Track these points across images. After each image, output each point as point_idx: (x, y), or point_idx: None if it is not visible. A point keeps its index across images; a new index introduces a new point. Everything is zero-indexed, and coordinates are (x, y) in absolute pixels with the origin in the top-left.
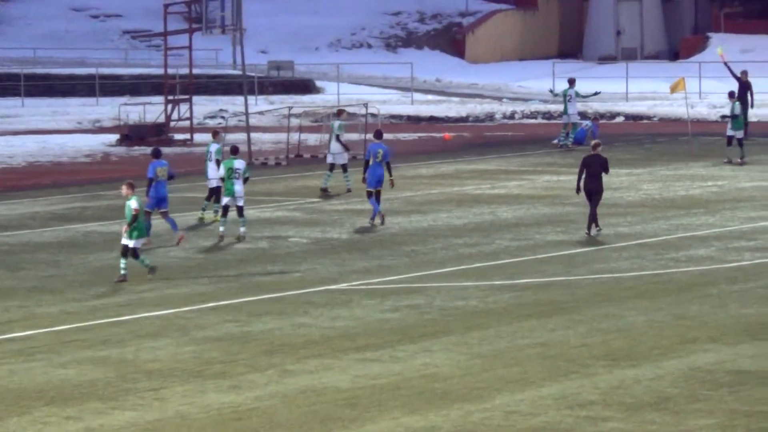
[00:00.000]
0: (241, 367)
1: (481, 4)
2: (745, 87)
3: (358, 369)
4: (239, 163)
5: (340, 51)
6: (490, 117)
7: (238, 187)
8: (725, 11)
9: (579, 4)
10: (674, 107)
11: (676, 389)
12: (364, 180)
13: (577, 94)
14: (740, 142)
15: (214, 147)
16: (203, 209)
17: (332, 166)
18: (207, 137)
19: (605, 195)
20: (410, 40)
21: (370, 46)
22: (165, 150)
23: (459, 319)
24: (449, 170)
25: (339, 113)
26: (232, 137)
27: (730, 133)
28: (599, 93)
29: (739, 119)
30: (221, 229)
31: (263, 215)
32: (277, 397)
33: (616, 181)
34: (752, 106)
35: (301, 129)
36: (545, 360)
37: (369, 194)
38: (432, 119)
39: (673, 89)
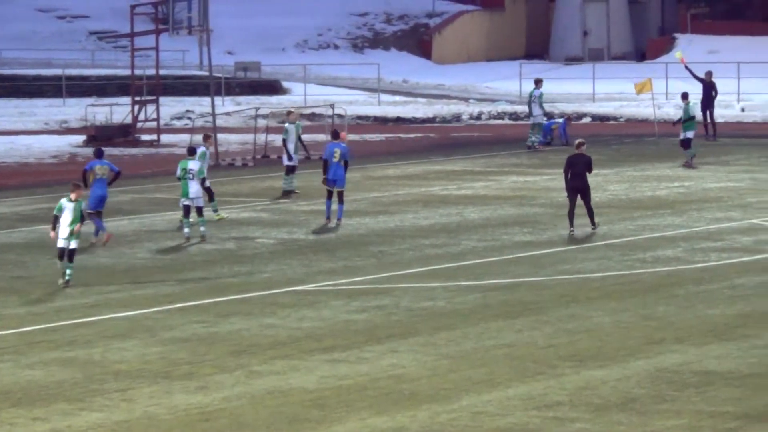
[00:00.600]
0: (209, 367)
1: (448, 5)
2: (709, 88)
3: (325, 370)
4: (193, 164)
5: (306, 52)
6: (457, 118)
7: (193, 188)
8: (692, 12)
9: (546, 5)
10: (641, 108)
11: (643, 390)
12: (324, 181)
13: (541, 96)
14: (689, 143)
15: (200, 150)
16: (215, 210)
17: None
18: (174, 138)
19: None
20: (377, 41)
21: (336, 47)
22: (132, 151)
23: (426, 319)
24: (416, 171)
25: (289, 114)
26: (198, 138)
27: (683, 135)
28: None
29: (692, 122)
30: (186, 230)
31: (230, 216)
32: (244, 397)
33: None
34: (716, 96)
35: (267, 130)
36: (512, 361)
37: (329, 194)
38: (399, 120)
39: (640, 90)
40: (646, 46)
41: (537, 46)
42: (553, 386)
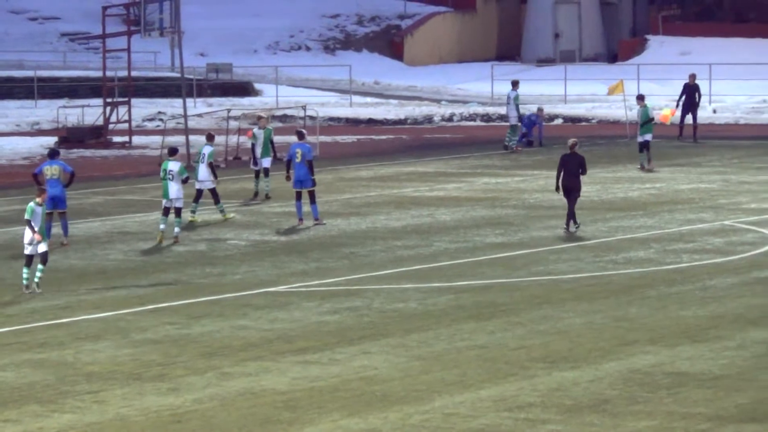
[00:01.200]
0: (180, 369)
1: (420, 6)
2: (693, 89)
3: (296, 371)
4: (174, 165)
5: (278, 53)
6: (429, 119)
7: (173, 188)
8: (663, 14)
9: (517, 6)
10: (613, 109)
11: (615, 391)
12: (287, 178)
13: (517, 98)
14: (647, 147)
15: (207, 149)
16: (192, 212)
17: (263, 171)
18: (145, 140)
19: (546, 197)
20: (349, 43)
21: (308, 48)
22: (104, 152)
23: (398, 321)
24: (388, 172)
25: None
26: (170, 140)
27: (640, 138)
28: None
29: (649, 125)
30: (161, 226)
31: (201, 217)
32: (215, 399)
33: (554, 183)
34: (699, 100)
35: (239, 132)
36: (484, 362)
37: (297, 195)
38: (370, 121)
39: (612, 91)
40: (618, 48)
41: (509, 48)
42: (525, 387)
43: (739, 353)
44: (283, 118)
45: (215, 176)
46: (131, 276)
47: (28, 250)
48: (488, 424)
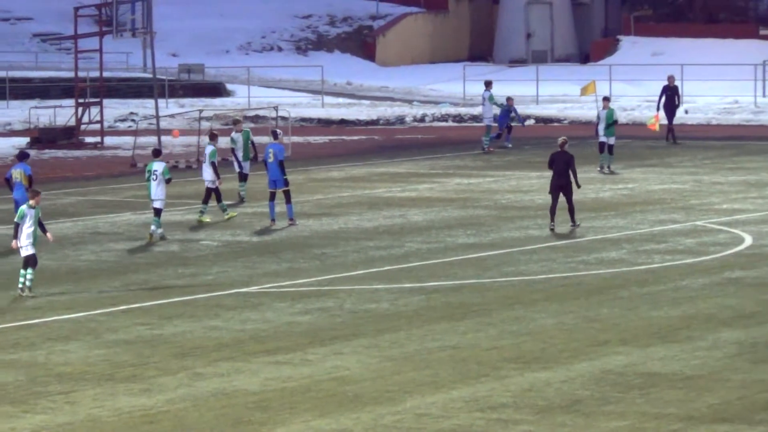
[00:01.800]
0: (152, 370)
1: (392, 7)
2: (672, 91)
3: (268, 372)
4: (158, 165)
5: (250, 54)
6: (401, 120)
7: (156, 189)
8: (635, 14)
9: (489, 7)
10: (585, 110)
11: (587, 392)
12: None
13: (491, 98)
14: (611, 149)
15: (209, 149)
16: (201, 212)
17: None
18: (117, 140)
19: (518, 197)
20: (321, 43)
21: (280, 49)
22: (76, 153)
23: (370, 321)
24: (360, 173)
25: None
26: (142, 140)
27: (602, 139)
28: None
29: (612, 127)
30: (152, 227)
31: (173, 218)
32: (188, 400)
33: (526, 183)
34: (679, 105)
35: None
36: (456, 363)
37: (271, 196)
38: (342, 122)
39: (584, 92)
40: (590, 48)
41: (481, 48)
42: (497, 388)
43: (711, 354)
44: (255, 118)
45: (218, 176)
46: (103, 276)
47: (23, 253)
48: (460, 425)
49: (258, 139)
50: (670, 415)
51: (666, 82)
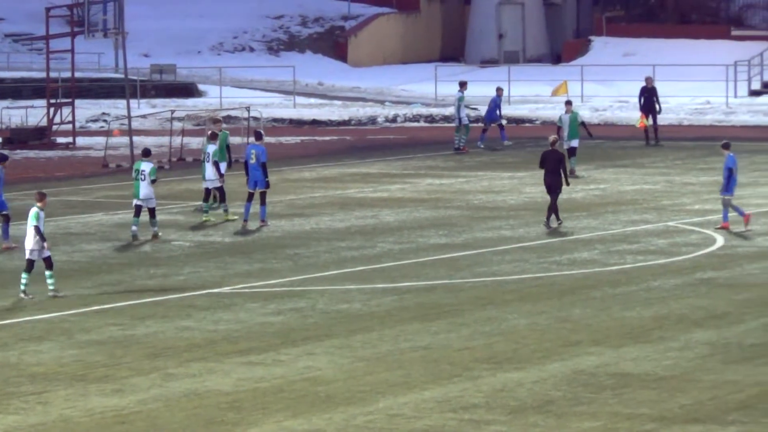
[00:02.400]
0: (125, 370)
1: (364, 7)
2: (650, 92)
3: (241, 372)
4: (145, 165)
5: (222, 54)
6: (373, 120)
7: (144, 189)
8: (607, 15)
9: (461, 7)
10: (557, 110)
11: (560, 392)
12: (248, 182)
13: (461, 99)
14: (574, 151)
15: (210, 148)
16: (205, 211)
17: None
18: (89, 141)
19: (490, 198)
20: (293, 44)
21: (252, 49)
22: (48, 153)
23: (342, 322)
24: (332, 173)
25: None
26: (114, 141)
27: (566, 145)
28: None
29: (573, 130)
30: (133, 228)
31: (145, 218)
32: (160, 400)
33: (498, 184)
34: (660, 111)
35: (183, 132)
36: (428, 363)
37: (249, 196)
38: (314, 123)
39: (555, 92)
40: (562, 49)
41: (452, 49)
42: (470, 388)
43: (683, 354)
44: (227, 119)
45: (221, 174)
46: (75, 277)
47: (28, 255)
48: (432, 425)
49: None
50: (643, 416)
51: (643, 83)
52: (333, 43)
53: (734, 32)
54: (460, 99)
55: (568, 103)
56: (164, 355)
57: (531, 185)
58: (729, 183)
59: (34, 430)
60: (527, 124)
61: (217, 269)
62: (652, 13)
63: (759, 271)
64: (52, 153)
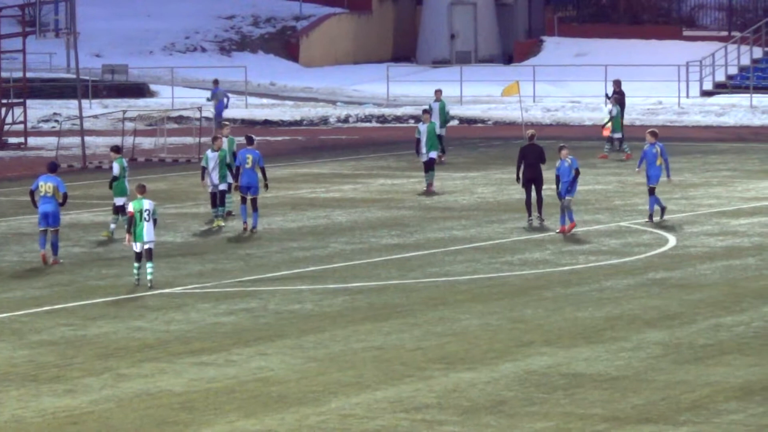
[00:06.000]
0: (77, 371)
1: (315, 7)
2: (620, 96)
3: (193, 373)
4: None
5: (174, 55)
6: (325, 121)
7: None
8: (559, 15)
9: (413, 7)
10: (509, 111)
11: (512, 392)
12: (236, 187)
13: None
14: (441, 139)
15: (212, 155)
16: (216, 216)
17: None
18: (41, 141)
19: (442, 198)
20: (244, 44)
21: (204, 49)
22: None
23: (294, 322)
24: (284, 174)
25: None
26: (66, 141)
27: (430, 156)
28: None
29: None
30: (111, 226)
31: (97, 219)
32: (112, 400)
33: (450, 184)
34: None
35: (135, 133)
36: (381, 363)
37: (243, 200)
38: (266, 123)
39: (506, 93)
40: (514, 49)
41: (404, 49)
42: (422, 389)
43: (636, 354)
44: (179, 119)
45: (235, 178)
46: (27, 277)
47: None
48: (385, 426)
49: (180, 140)
50: (595, 416)
51: (611, 86)
52: (285, 44)
53: (686, 33)
54: (441, 107)
55: (438, 91)
56: (116, 356)
57: (483, 185)
58: (573, 186)
59: None
60: (479, 125)
61: (169, 269)
62: (604, 13)
63: (711, 272)
64: (4, 153)
